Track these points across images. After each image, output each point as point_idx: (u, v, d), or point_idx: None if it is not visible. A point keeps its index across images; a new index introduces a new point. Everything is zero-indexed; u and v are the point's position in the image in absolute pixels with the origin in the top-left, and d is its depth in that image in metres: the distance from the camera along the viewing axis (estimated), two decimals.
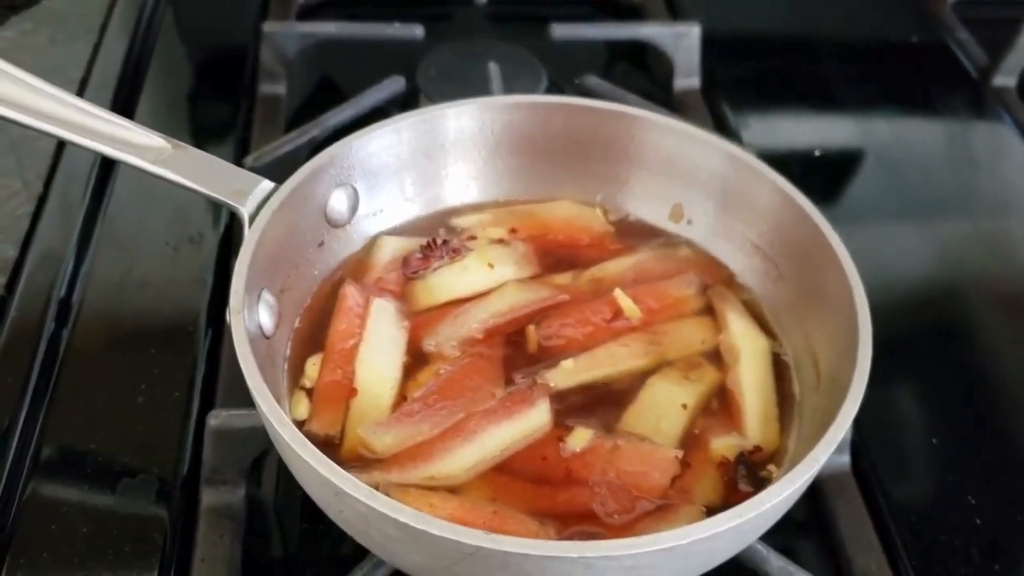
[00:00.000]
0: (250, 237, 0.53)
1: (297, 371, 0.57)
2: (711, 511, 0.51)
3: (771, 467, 0.54)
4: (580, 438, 0.54)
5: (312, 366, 0.57)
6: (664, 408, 0.56)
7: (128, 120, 0.57)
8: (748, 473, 0.53)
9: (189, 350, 0.65)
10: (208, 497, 0.58)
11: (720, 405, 0.57)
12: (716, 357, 0.60)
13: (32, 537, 0.55)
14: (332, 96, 0.87)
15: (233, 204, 0.55)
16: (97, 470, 0.58)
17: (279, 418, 0.46)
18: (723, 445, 0.55)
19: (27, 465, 0.58)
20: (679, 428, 0.55)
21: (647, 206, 0.67)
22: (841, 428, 0.47)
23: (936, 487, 0.63)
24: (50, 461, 0.59)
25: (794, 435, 0.56)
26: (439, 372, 0.57)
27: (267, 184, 0.56)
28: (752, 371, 0.58)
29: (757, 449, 0.55)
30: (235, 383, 0.65)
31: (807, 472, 0.46)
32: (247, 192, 0.55)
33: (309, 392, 0.56)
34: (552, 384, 0.57)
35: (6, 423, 0.60)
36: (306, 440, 0.45)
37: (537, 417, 0.55)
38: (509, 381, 0.57)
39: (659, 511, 0.51)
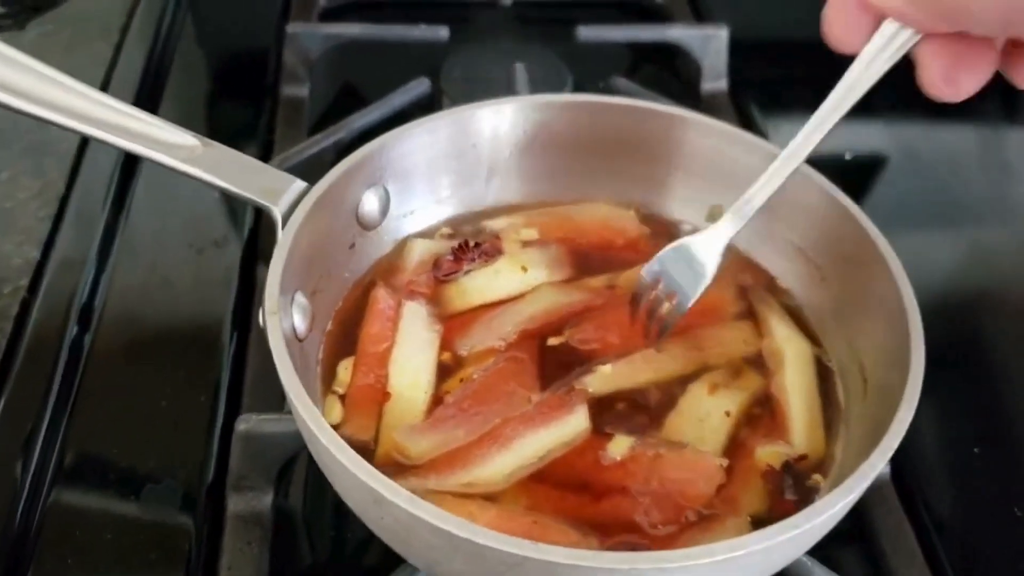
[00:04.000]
0: (284, 237, 0.52)
1: (329, 375, 0.56)
2: (756, 521, 0.50)
3: (817, 476, 0.52)
4: (621, 445, 0.52)
5: (344, 370, 0.56)
6: (707, 415, 0.54)
7: (157, 118, 0.55)
8: (795, 482, 0.51)
9: (214, 354, 0.64)
10: (234, 504, 0.56)
11: (764, 412, 0.56)
12: (758, 362, 0.58)
13: (56, 544, 0.53)
14: (354, 99, 0.86)
15: (266, 204, 0.54)
16: (121, 476, 0.57)
17: (317, 421, 0.44)
18: (768, 453, 0.53)
19: (50, 471, 0.57)
20: (723, 436, 0.54)
21: (684, 207, 0.66)
22: (897, 436, 0.46)
23: (979, 498, 0.61)
24: (73, 467, 0.57)
25: (840, 443, 0.54)
26: (473, 376, 0.56)
27: (300, 184, 0.55)
28: (797, 377, 0.56)
29: (803, 457, 0.53)
30: (261, 388, 0.64)
31: (864, 480, 0.44)
32: (281, 192, 0.54)
33: (342, 397, 0.55)
34: (590, 389, 0.55)
35: (29, 428, 0.58)
36: (345, 444, 0.44)
37: (576, 423, 0.53)
38: (544, 386, 0.56)
39: (704, 521, 0.50)
